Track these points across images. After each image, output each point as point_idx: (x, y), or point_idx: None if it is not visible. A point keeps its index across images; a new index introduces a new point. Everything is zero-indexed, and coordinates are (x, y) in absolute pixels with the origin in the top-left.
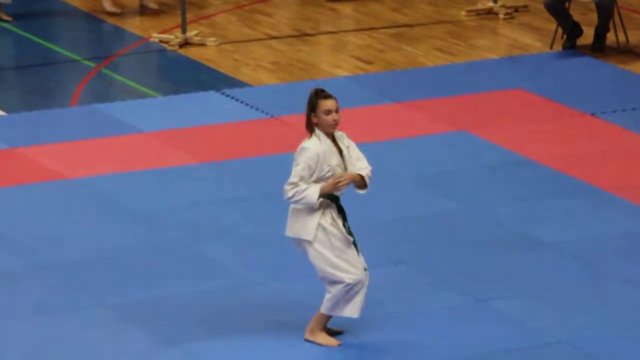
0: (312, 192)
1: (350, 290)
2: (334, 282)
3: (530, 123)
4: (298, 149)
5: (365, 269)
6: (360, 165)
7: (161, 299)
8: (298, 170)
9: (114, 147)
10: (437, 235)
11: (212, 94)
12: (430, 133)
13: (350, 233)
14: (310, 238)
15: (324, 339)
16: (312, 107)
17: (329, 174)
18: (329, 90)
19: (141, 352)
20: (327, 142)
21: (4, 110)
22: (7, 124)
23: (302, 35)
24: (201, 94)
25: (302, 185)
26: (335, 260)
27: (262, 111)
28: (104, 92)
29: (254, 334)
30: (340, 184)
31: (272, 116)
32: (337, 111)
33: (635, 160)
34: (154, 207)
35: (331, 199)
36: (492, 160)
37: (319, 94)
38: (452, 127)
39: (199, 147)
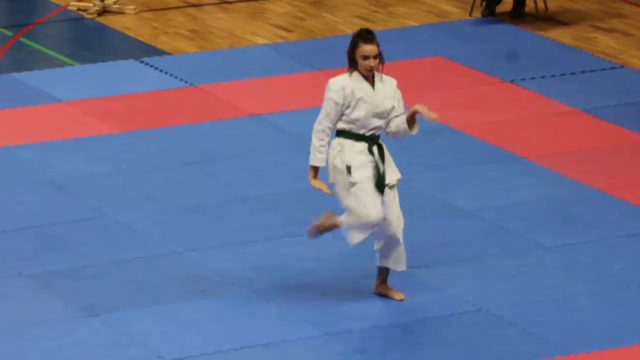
0: (312, 158)
1: (365, 224)
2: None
3: (449, 90)
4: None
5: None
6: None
7: (80, 268)
8: (323, 106)
9: (32, 117)
10: None
11: (131, 62)
12: None
13: (380, 178)
14: (330, 180)
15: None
16: (352, 47)
17: (355, 105)
18: (248, 58)
19: (60, 322)
20: (360, 79)
21: None
22: None
23: (221, 3)
24: (120, 62)
25: (323, 136)
26: (351, 197)
27: (181, 79)
28: (22, 61)
29: (174, 303)
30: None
31: (191, 84)
32: (375, 57)
33: (554, 127)
34: (73, 176)
35: (358, 138)
36: None
37: (361, 35)
38: None
39: (118, 116)
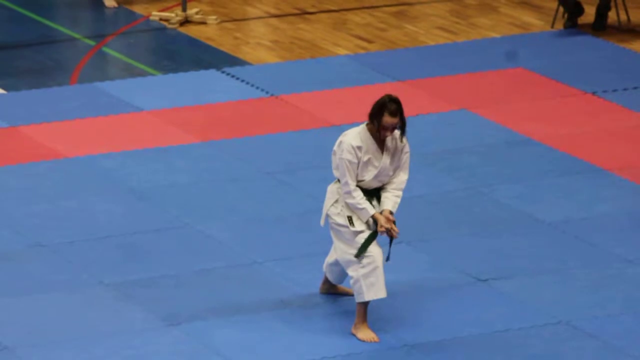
0: (363, 213)
1: (364, 268)
2: (349, 263)
3: (531, 102)
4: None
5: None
6: (394, 180)
7: (161, 278)
8: (342, 173)
9: (114, 126)
10: (438, 214)
11: (213, 72)
12: (431, 112)
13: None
14: (321, 223)
15: (363, 333)
16: (379, 110)
17: (363, 166)
18: (329, 69)
19: (141, 331)
20: (372, 139)
21: (4, 88)
22: (7, 102)
23: (303, 14)
24: (202, 72)
25: (360, 195)
26: (345, 243)
27: (262, 90)
28: (104, 71)
29: (254, 313)
30: (383, 228)
31: (272, 95)
32: (394, 128)
33: (636, 140)
34: (154, 185)
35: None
36: (493, 139)
37: (387, 106)
38: (453, 106)
39: (199, 126)
